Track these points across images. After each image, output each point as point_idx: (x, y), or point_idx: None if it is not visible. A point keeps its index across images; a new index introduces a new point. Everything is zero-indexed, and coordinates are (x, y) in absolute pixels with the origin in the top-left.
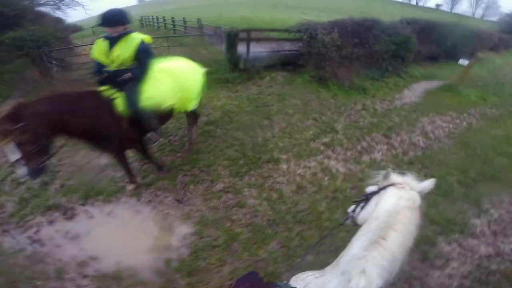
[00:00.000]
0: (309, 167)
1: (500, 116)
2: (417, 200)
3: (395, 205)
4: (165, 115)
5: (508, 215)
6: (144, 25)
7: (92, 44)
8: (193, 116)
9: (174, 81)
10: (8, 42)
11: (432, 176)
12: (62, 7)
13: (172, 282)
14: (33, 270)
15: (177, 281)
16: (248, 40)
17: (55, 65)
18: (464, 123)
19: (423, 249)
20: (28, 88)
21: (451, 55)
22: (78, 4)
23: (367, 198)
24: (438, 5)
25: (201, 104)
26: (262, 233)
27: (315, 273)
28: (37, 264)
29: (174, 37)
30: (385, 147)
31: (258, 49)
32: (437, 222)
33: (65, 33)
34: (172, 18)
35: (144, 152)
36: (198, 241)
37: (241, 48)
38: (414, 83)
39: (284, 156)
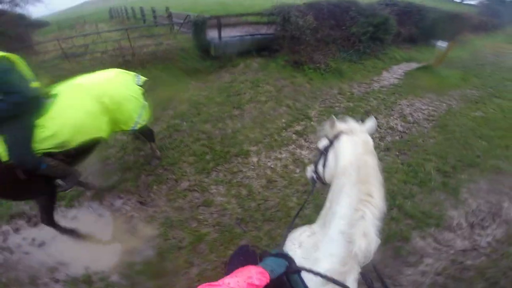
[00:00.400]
0: (280, 159)
1: (480, 97)
2: (370, 142)
3: (356, 154)
4: (84, 150)
5: (486, 204)
6: (114, 17)
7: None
8: (143, 133)
9: (94, 102)
10: None
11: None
12: (21, 3)
13: (138, 285)
14: (7, 277)
15: (144, 284)
16: (219, 26)
17: None
18: (444, 105)
19: (395, 245)
20: None
21: (431, 38)
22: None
23: (323, 153)
24: None
25: (150, 120)
26: (230, 233)
27: (307, 230)
28: (10, 271)
29: (140, 27)
30: None
31: (232, 34)
32: (412, 216)
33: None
34: (141, 8)
35: (46, 212)
36: (163, 243)
37: (212, 34)
38: (393, 65)
39: (254, 148)
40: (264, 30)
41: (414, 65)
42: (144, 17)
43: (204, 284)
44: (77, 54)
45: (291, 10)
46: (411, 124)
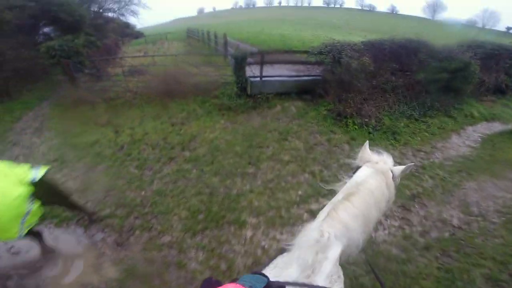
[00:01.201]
0: (278, 240)
1: None
2: (388, 173)
3: (364, 177)
4: None
5: None
6: (189, 37)
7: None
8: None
9: None
10: (43, 51)
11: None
12: (125, 13)
13: None
14: None
15: None
16: (262, 63)
17: (85, 74)
18: None
19: None
20: (61, 93)
21: None
22: (133, 13)
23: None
24: (509, 28)
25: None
26: None
27: (285, 253)
28: None
29: (197, 54)
30: (397, 223)
31: (275, 72)
32: None
33: (121, 40)
34: (208, 32)
35: None
36: None
37: (255, 71)
38: (468, 125)
39: (254, 220)
40: (307, 71)
41: (497, 127)
42: (210, 42)
43: None
44: (137, 72)
45: (344, 49)
46: (474, 217)
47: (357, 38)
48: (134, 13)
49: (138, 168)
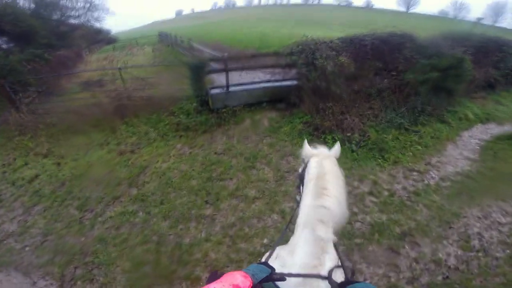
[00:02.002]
0: None
1: None
2: (334, 159)
3: (319, 166)
4: None
5: None
6: (162, 41)
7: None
8: None
9: None
10: None
11: None
12: (90, 20)
13: None
14: None
15: None
16: (226, 71)
17: (29, 94)
18: None
19: None
20: (3, 119)
21: None
22: (97, 20)
23: (301, 176)
24: (479, 19)
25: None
26: None
27: (284, 245)
28: None
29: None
30: (382, 270)
31: (246, 79)
32: None
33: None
34: (175, 36)
35: None
36: None
37: (222, 80)
38: (464, 130)
39: None
40: (285, 74)
41: (494, 129)
42: (178, 47)
43: None
44: (94, 85)
45: (318, 48)
46: (474, 253)
47: (337, 33)
48: (97, 19)
49: (79, 209)
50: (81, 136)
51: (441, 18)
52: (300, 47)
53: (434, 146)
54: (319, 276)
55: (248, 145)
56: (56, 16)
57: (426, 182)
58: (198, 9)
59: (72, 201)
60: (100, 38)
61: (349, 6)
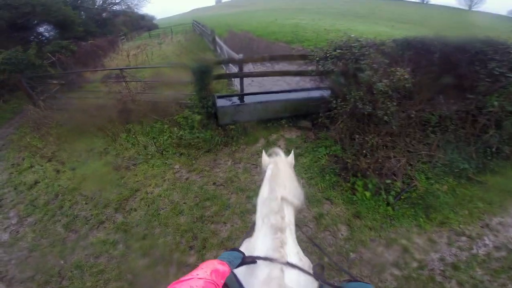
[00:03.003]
0: None
1: None
2: (288, 163)
3: (274, 168)
4: None
5: None
6: (193, 30)
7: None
8: None
9: None
10: None
11: None
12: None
13: None
14: None
15: None
16: (241, 77)
17: (49, 88)
18: None
19: None
20: (24, 114)
21: None
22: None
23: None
24: None
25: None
26: None
27: (249, 238)
28: None
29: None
30: None
31: (264, 85)
32: None
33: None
34: (203, 26)
35: None
36: None
37: (237, 84)
38: None
39: None
40: (316, 81)
41: None
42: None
43: (175, 282)
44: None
45: (364, 53)
46: None
47: (384, 29)
48: (137, 6)
49: (65, 227)
50: (85, 140)
51: None
52: (338, 50)
53: (500, 202)
54: (287, 263)
55: (255, 177)
56: (98, 3)
57: (474, 251)
58: None
59: (61, 217)
60: (142, 25)
61: (400, 0)
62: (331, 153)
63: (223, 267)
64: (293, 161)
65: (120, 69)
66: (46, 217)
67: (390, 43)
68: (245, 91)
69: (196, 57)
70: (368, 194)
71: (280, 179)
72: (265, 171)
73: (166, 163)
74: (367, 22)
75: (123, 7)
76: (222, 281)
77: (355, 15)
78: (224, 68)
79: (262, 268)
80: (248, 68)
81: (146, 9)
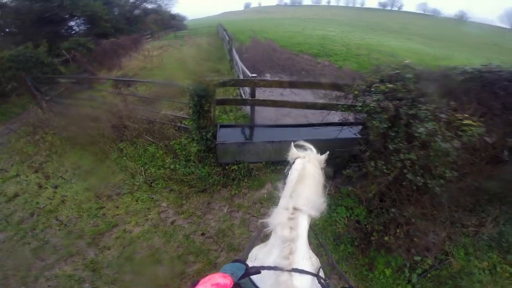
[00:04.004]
0: None
1: None
2: (316, 161)
3: (301, 169)
4: None
5: None
6: (217, 33)
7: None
8: None
9: None
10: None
11: None
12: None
13: None
14: None
15: None
16: (252, 105)
17: (54, 89)
18: None
19: None
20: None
21: None
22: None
23: (288, 170)
24: None
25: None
26: None
27: (261, 245)
28: None
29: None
30: None
31: (281, 110)
32: None
33: (149, 35)
34: (225, 30)
35: None
36: None
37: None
38: None
39: None
40: (339, 116)
41: None
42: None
43: None
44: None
45: (427, 88)
46: None
47: (417, 45)
48: (168, 5)
49: (33, 252)
50: (75, 154)
51: None
52: (388, 84)
53: None
54: (291, 270)
55: (253, 235)
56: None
57: None
58: (265, 3)
59: (32, 240)
60: (172, 24)
61: (435, 16)
62: (352, 217)
63: (224, 280)
64: (323, 163)
65: (114, 79)
66: (16, 236)
67: (456, 74)
68: (258, 115)
69: (196, 76)
70: (388, 271)
71: (302, 186)
72: (290, 166)
73: (152, 198)
74: (399, 37)
75: (155, 5)
76: None
77: (386, 29)
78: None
79: (270, 275)
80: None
81: (179, 9)
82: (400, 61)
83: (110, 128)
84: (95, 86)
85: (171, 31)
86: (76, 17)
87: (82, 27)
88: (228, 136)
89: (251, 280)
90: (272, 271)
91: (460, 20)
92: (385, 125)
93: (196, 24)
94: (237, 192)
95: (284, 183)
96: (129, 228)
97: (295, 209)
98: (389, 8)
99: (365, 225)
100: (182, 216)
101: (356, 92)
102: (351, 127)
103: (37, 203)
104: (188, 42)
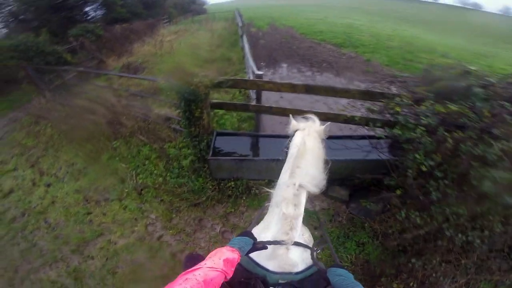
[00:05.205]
0: None
1: None
2: (316, 133)
3: (301, 144)
4: None
5: None
6: (234, 18)
7: None
8: None
9: None
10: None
11: None
12: None
13: None
14: None
15: None
16: (255, 111)
17: (58, 77)
18: None
19: None
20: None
21: None
22: None
23: (287, 147)
24: None
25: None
26: None
27: (258, 226)
28: None
29: None
30: None
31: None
32: None
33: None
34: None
35: None
36: None
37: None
38: None
39: None
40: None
41: None
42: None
43: (183, 273)
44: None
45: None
46: None
47: (458, 40)
48: None
49: (21, 254)
50: (71, 149)
51: None
52: (446, 107)
53: None
54: (292, 243)
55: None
56: None
57: None
58: None
59: (21, 241)
60: (192, 8)
61: (476, 9)
62: (362, 255)
63: (233, 255)
64: (324, 134)
65: (105, 73)
66: (7, 236)
67: None
68: (265, 119)
69: (185, 73)
70: None
71: (304, 162)
72: (290, 138)
73: (141, 208)
74: (435, 31)
75: None
76: (232, 269)
77: (420, 21)
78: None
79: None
80: (281, 73)
81: None
82: (455, 63)
83: (106, 124)
84: (101, 76)
85: (190, 16)
86: (90, 3)
87: (98, 13)
88: (226, 146)
89: (251, 260)
90: (273, 246)
91: (503, 15)
92: (432, 163)
93: (217, 8)
94: (233, 210)
95: (285, 158)
96: (114, 239)
97: (300, 186)
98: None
99: (375, 267)
100: (170, 231)
101: (398, 109)
102: (378, 146)
103: (29, 202)
104: (206, 27)
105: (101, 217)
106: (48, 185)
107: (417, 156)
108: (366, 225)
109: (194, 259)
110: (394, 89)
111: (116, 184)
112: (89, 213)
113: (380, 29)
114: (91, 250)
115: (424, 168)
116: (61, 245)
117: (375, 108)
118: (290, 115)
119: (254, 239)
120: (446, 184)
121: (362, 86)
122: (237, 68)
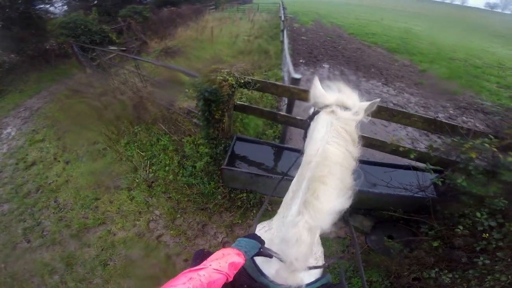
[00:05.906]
0: None
1: None
2: (350, 129)
3: (323, 144)
4: None
5: None
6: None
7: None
8: None
9: None
10: (51, 29)
11: None
12: None
13: None
14: None
15: None
16: (283, 123)
17: (104, 54)
18: None
19: None
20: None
21: None
22: None
23: (308, 124)
24: None
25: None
26: None
27: (266, 225)
28: None
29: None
30: None
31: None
32: None
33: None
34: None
35: None
36: None
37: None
38: None
39: None
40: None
41: None
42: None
43: (188, 270)
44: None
45: None
46: None
47: None
48: None
49: (24, 232)
50: (96, 128)
51: None
52: None
53: None
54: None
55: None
56: None
57: None
58: None
59: (27, 218)
60: None
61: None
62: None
63: (239, 259)
64: (363, 115)
65: (129, 56)
66: (17, 211)
67: None
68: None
69: (206, 70)
70: None
71: (323, 188)
72: (313, 116)
73: (148, 202)
74: (508, 44)
75: None
76: (235, 272)
77: (490, 33)
78: (284, 75)
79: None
80: (321, 73)
81: None
82: None
83: (131, 107)
84: (143, 56)
85: (236, 4)
86: None
87: None
88: (244, 153)
89: (255, 265)
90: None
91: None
92: (494, 223)
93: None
94: (240, 221)
95: (305, 136)
96: (114, 230)
97: (312, 228)
98: (499, 10)
99: None
100: (171, 232)
101: (473, 155)
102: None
103: (46, 177)
104: (249, 16)
105: (107, 205)
106: (67, 162)
107: (478, 214)
108: (382, 265)
109: (203, 257)
110: (464, 118)
111: (129, 173)
112: (97, 199)
113: (444, 37)
114: (89, 238)
115: (480, 228)
116: (63, 228)
117: (442, 148)
118: (316, 77)
119: (262, 242)
120: (500, 246)
121: (412, 100)
122: (273, 63)
